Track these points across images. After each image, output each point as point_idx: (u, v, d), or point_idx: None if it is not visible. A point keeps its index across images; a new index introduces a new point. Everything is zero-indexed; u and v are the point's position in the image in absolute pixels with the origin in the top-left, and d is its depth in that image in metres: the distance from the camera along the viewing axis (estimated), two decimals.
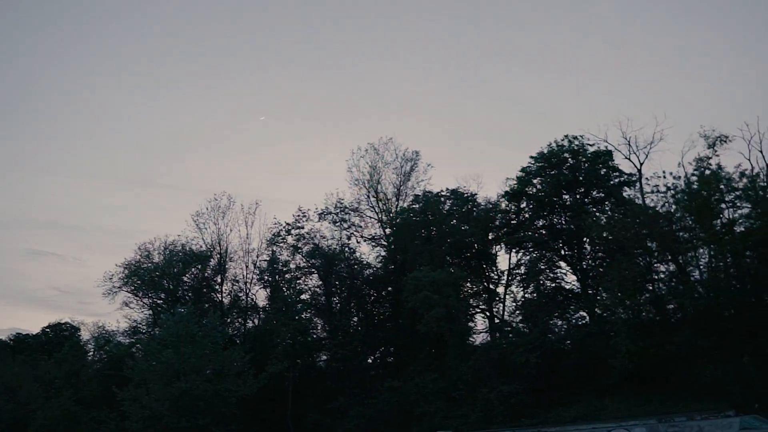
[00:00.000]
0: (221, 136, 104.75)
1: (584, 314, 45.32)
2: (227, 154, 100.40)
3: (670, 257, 38.28)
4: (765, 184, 35.80)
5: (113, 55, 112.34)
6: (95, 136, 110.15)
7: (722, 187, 35.76)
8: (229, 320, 50.54)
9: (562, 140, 45.77)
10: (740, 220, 36.28)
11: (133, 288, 51.32)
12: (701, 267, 37.86)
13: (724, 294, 35.26)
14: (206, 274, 50.92)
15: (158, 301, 52.14)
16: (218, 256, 51.05)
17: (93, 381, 47.31)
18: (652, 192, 39.33)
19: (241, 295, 50.95)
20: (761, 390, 31.05)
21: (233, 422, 39.68)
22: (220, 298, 51.12)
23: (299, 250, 48.97)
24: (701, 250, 37.29)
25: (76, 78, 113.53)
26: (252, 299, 50.94)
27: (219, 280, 51.52)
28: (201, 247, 51.36)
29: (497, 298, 48.68)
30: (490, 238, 48.04)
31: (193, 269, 50.45)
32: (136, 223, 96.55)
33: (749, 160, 38.54)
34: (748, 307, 34.85)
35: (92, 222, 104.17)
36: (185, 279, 50.75)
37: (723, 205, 36.19)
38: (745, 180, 35.91)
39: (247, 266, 50.80)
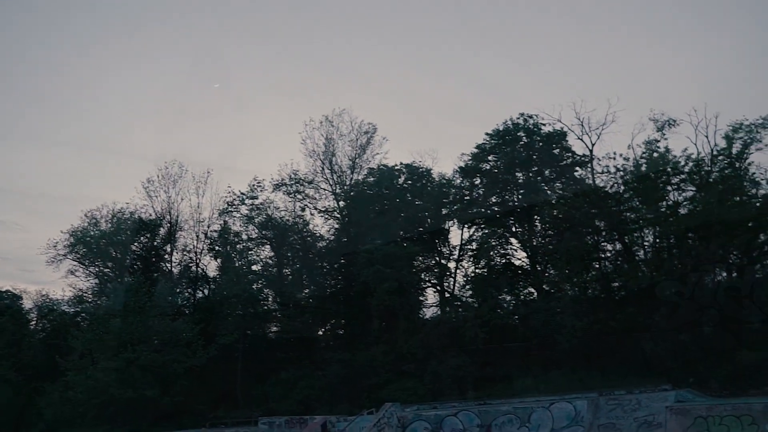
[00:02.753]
0: (173, 103, 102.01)
1: (533, 290, 46.28)
2: (179, 121, 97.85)
3: (617, 237, 39.34)
4: (709, 168, 36.93)
5: (62, 19, 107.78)
6: (42, 99, 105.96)
7: (669, 170, 36.77)
8: (178, 290, 49.75)
9: (518, 118, 46.22)
10: (684, 203, 37.45)
11: (78, 256, 49.89)
12: (646, 247, 39.07)
13: (666, 274, 36.38)
14: (155, 243, 49.80)
15: (105, 270, 50.88)
16: (168, 225, 49.96)
17: (35, 350, 46.08)
18: (603, 173, 40.27)
19: (191, 265, 50.11)
20: (696, 366, 32.42)
21: (181, 393, 39.37)
22: (169, 268, 50.21)
23: (252, 221, 48.35)
24: (646, 231, 38.40)
25: (20, 39, 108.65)
26: (202, 269, 50.22)
27: (169, 250, 50.50)
28: (150, 215, 50.18)
29: (448, 273, 49.25)
30: (443, 213, 48.44)
31: (142, 238, 49.27)
32: (83, 190, 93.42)
33: (695, 144, 39.77)
34: (687, 286, 36.11)
35: (36, 187, 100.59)
36: (134, 248, 49.52)
37: (669, 188, 37.25)
38: (690, 164, 37.01)
39: (197, 236, 49.91)
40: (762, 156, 42.93)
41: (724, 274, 39.75)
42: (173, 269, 49.99)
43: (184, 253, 50.18)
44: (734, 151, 36.61)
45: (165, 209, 49.74)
